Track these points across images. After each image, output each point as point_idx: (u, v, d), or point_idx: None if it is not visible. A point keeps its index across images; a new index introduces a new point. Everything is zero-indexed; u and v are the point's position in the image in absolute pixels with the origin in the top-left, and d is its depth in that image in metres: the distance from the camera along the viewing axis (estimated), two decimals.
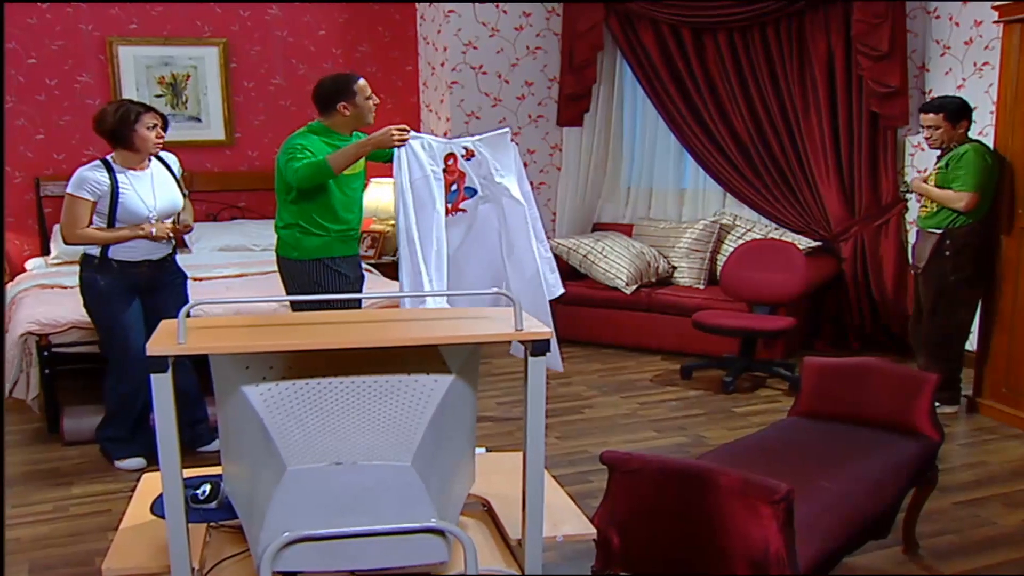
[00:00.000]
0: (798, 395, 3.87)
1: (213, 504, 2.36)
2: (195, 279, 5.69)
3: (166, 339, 1.93)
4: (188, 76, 7.26)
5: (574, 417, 5.38)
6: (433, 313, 2.34)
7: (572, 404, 5.62)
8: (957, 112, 5.08)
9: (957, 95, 5.33)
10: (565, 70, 7.44)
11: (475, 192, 4.74)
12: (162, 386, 1.88)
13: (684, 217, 7.49)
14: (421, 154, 4.48)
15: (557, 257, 7.06)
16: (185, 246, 6.95)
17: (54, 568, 3.69)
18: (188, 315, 1.98)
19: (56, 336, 5.07)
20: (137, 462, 4.67)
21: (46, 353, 5.02)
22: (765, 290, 6.10)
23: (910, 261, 5.69)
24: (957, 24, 6.16)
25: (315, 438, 1.93)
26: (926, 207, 5.23)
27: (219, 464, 2.36)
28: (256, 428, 1.95)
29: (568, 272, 7.07)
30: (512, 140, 4.89)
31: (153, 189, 4.43)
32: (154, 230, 4.39)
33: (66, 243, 4.46)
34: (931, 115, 5.11)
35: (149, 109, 4.39)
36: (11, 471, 4.68)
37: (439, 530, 2.00)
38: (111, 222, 4.35)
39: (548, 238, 7.45)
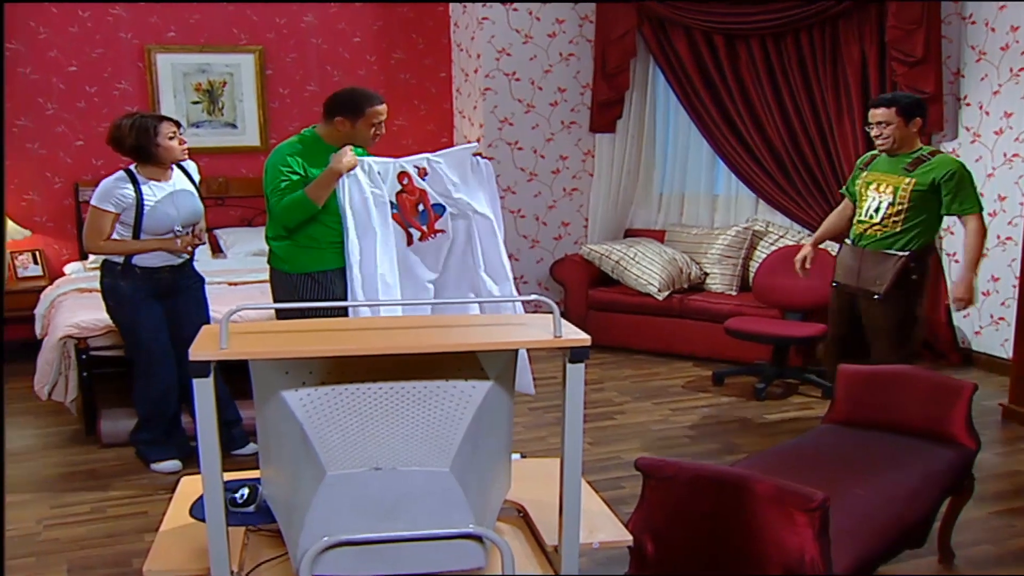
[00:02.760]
0: (832, 402, 3.85)
1: (251, 508, 2.38)
2: (229, 284, 5.75)
3: (208, 344, 1.95)
4: (224, 83, 7.32)
5: (606, 423, 5.38)
6: (472, 319, 2.34)
7: (604, 410, 5.62)
8: (910, 108, 4.64)
9: (910, 95, 4.87)
10: (598, 76, 7.44)
11: (444, 208, 4.44)
12: (204, 391, 1.90)
13: (716, 223, 7.47)
14: (361, 177, 4.22)
15: (589, 263, 7.10)
16: (220, 251, 7.01)
17: (92, 568, 3.72)
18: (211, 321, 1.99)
19: (94, 339, 5.12)
20: (173, 464, 4.71)
21: (84, 356, 5.07)
22: (798, 297, 6.06)
23: (838, 278, 5.06)
24: (993, 30, 6.11)
25: (354, 443, 1.94)
26: (882, 225, 4.69)
27: (256, 468, 2.38)
28: (296, 433, 1.96)
29: (600, 278, 7.08)
30: (480, 156, 4.54)
31: (176, 200, 4.46)
32: (179, 242, 4.45)
33: (88, 252, 4.50)
34: (882, 109, 4.66)
35: (163, 118, 4.39)
36: (49, 472, 4.74)
37: (477, 536, 2.01)
38: (136, 233, 4.40)
39: (580, 244, 7.49)
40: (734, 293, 6.77)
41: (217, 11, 7.25)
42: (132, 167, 4.42)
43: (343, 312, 3.99)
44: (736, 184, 7.32)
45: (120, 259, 4.46)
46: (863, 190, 4.81)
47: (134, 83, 7.14)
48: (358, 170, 4.18)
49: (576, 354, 2.03)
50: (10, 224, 6.70)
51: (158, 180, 4.43)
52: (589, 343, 2.06)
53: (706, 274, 6.92)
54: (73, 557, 3.82)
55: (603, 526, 2.46)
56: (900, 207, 4.62)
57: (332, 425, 1.95)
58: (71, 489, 4.52)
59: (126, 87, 7.13)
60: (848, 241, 4.93)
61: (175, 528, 2.41)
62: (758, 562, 2.61)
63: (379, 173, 4.28)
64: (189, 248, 4.51)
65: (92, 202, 4.40)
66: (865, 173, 4.85)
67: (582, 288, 7.03)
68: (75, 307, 5.45)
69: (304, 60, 7.52)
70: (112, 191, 4.35)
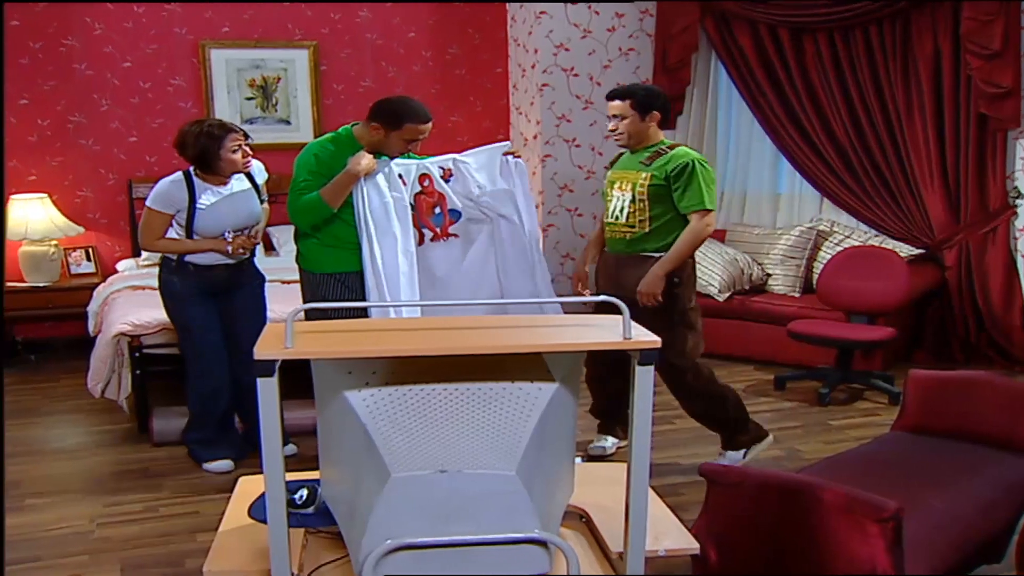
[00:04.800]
0: (902, 409, 3.80)
1: (310, 509, 2.41)
2: (282, 282, 5.80)
3: (273, 343, 1.97)
4: (278, 79, 7.39)
5: (664, 427, 5.35)
6: (538, 320, 2.35)
7: (662, 414, 5.57)
8: (646, 100, 4.39)
9: (648, 87, 4.60)
10: (658, 72, 7.40)
11: (460, 215, 4.40)
12: (268, 390, 1.92)
13: (779, 223, 7.40)
14: (380, 181, 4.22)
15: None
16: (272, 248, 7.07)
17: (145, 568, 3.77)
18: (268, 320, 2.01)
19: (147, 337, 5.19)
20: (225, 464, 4.75)
21: (137, 354, 5.15)
22: (864, 299, 6.00)
23: (593, 289, 4.85)
24: None
25: (419, 445, 1.95)
26: (629, 226, 4.44)
27: (306, 469, 2.41)
28: (359, 434, 1.98)
29: None
30: (512, 155, 4.50)
31: (232, 205, 4.51)
32: (230, 248, 4.49)
33: (143, 250, 4.57)
34: (616, 102, 4.42)
35: (229, 130, 4.41)
36: (102, 470, 4.82)
37: (542, 541, 2.01)
38: (189, 234, 4.48)
39: None
40: (797, 295, 6.70)
41: (271, 6, 7.33)
42: (191, 169, 4.48)
43: (368, 312, 4.04)
44: (800, 183, 7.25)
45: (174, 256, 4.55)
46: (608, 190, 4.60)
47: (188, 79, 7.24)
48: (379, 176, 4.19)
49: (646, 356, 2.03)
50: (64, 221, 6.82)
51: (215, 185, 4.49)
52: (659, 345, 2.05)
53: (768, 275, 6.87)
54: (126, 556, 3.88)
55: (668, 533, 2.46)
56: (641, 204, 4.38)
57: (396, 426, 1.96)
58: (124, 488, 4.59)
59: (180, 83, 7.23)
60: (605, 249, 4.69)
61: (234, 528, 2.44)
62: (826, 573, 2.58)
63: (400, 176, 4.28)
64: (241, 250, 4.55)
65: (147, 202, 4.50)
66: (610, 172, 4.66)
67: None
68: (128, 305, 5.53)
69: (359, 56, 7.57)
70: (166, 194, 4.44)
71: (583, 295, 4.75)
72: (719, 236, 7.30)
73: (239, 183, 4.58)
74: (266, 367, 1.91)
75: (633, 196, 4.40)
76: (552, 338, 2.15)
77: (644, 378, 2.06)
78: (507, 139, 7.87)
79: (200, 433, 4.81)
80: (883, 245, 6.47)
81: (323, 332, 2.11)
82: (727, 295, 6.66)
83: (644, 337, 2.05)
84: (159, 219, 4.47)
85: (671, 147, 4.44)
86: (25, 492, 4.54)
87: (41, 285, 6.72)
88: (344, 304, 2.31)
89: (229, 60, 7.27)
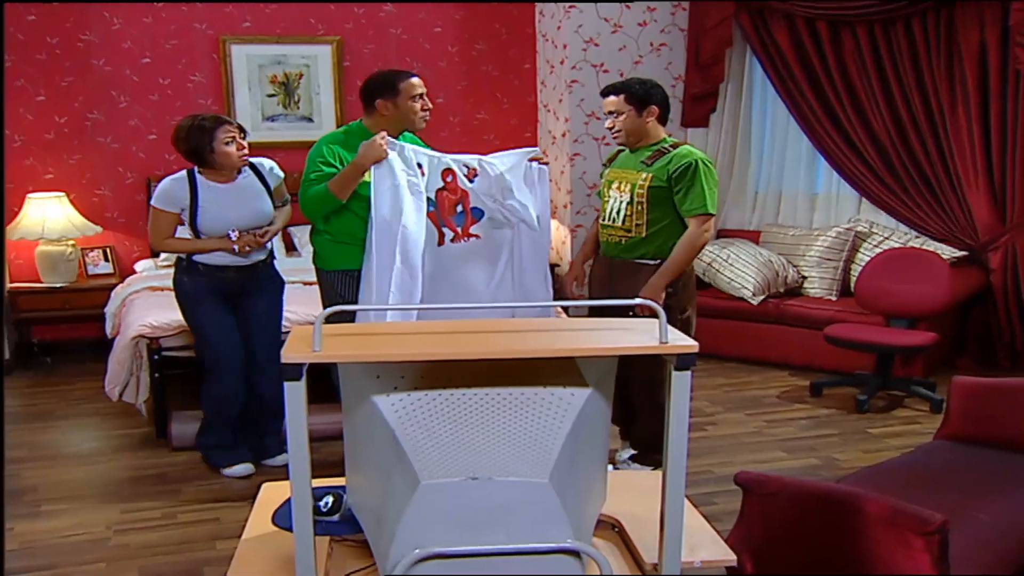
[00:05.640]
0: (945, 417, 3.77)
1: (336, 517, 2.41)
2: (304, 283, 5.81)
3: (301, 346, 1.97)
4: (301, 75, 7.42)
5: (697, 434, 5.33)
6: (571, 323, 2.34)
7: (695, 420, 5.57)
8: (643, 95, 4.30)
9: (644, 80, 4.47)
10: (691, 68, 7.39)
11: (483, 213, 4.38)
12: (295, 394, 1.92)
13: (815, 223, 7.36)
14: (395, 162, 4.13)
15: None
16: (294, 249, 7.09)
17: None
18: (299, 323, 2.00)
19: (166, 339, 5.23)
20: (244, 468, 4.77)
21: (156, 357, 5.18)
22: (904, 303, 5.96)
23: (584, 292, 4.76)
24: None
25: (449, 452, 1.95)
26: (625, 230, 4.37)
27: (331, 476, 2.41)
28: (387, 440, 1.98)
29: None
30: (539, 162, 4.45)
31: (236, 203, 4.51)
32: (236, 247, 4.48)
33: (153, 250, 4.60)
34: (612, 97, 4.34)
35: (222, 122, 4.43)
36: (120, 475, 4.85)
37: (575, 551, 2.00)
38: (195, 234, 4.52)
39: None
40: (834, 298, 6.67)
41: (293, 1, 7.35)
42: (195, 168, 4.51)
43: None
44: (837, 182, 7.22)
45: (185, 256, 4.59)
46: (605, 190, 4.52)
47: (208, 75, 7.28)
48: (392, 155, 4.12)
49: (683, 361, 2.02)
50: (81, 220, 6.87)
51: (219, 182, 4.50)
52: (696, 349, 2.04)
53: (804, 277, 6.84)
54: (144, 564, 3.90)
55: (704, 543, 2.45)
56: (640, 207, 4.30)
57: (425, 432, 1.96)
58: (141, 494, 4.61)
59: (200, 79, 7.27)
60: (599, 252, 4.63)
61: (257, 536, 2.45)
62: None
63: (419, 164, 4.23)
64: (247, 248, 4.52)
65: (151, 202, 4.58)
66: (607, 171, 4.58)
67: None
68: (147, 306, 5.56)
69: (383, 51, 7.58)
70: (168, 191, 4.49)
71: (575, 295, 4.73)
72: (753, 237, 7.27)
73: (248, 182, 4.58)
74: (294, 371, 1.91)
75: (632, 198, 4.33)
76: (587, 342, 2.14)
77: (681, 384, 2.05)
78: (535, 137, 7.89)
79: (213, 438, 4.82)
80: (924, 247, 6.42)
81: (350, 335, 2.12)
82: (761, 298, 6.64)
83: (681, 341, 2.04)
84: (164, 218, 4.51)
85: (674, 145, 4.36)
86: (41, 498, 4.57)
87: (58, 286, 6.78)
88: (370, 307, 2.30)
89: (250, 56, 7.31)
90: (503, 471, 1.96)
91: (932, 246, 6.47)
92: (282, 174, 4.73)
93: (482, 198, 4.35)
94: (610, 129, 4.40)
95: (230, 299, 4.64)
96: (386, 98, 4.27)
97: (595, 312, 3.62)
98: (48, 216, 6.71)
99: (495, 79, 7.90)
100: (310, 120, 7.48)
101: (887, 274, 6.07)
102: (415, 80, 4.31)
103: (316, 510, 2.37)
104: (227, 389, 4.69)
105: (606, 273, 4.50)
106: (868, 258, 6.40)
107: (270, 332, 4.74)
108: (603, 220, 4.51)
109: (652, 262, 4.29)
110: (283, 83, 7.40)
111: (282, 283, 4.85)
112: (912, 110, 6.59)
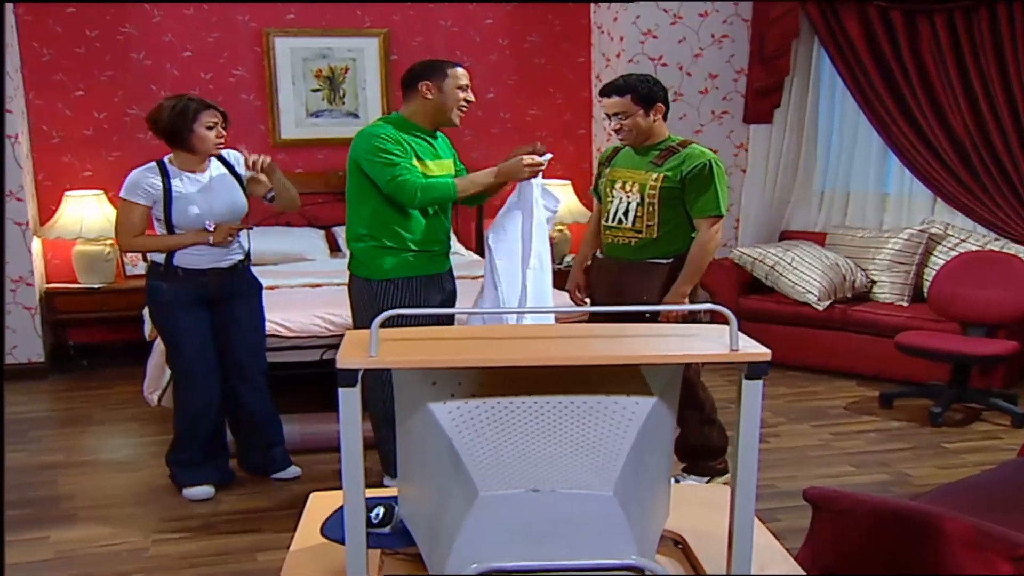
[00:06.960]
0: None
1: (387, 529, 2.42)
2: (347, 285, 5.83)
3: (356, 351, 1.98)
4: (346, 69, 7.47)
5: (759, 446, 5.29)
6: (636, 329, 2.33)
7: None
8: (648, 93, 4.30)
9: (645, 77, 4.45)
10: (754, 61, 7.36)
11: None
12: (350, 400, 1.93)
13: (886, 225, 7.31)
14: (536, 193, 4.20)
15: (740, 267, 7.02)
16: (338, 249, 7.11)
17: None
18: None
19: None
20: (205, 491, 4.72)
21: None
22: (982, 309, 5.91)
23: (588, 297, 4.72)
24: None
25: (509, 462, 1.95)
26: (635, 231, 4.37)
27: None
28: (444, 449, 1.98)
29: (752, 285, 7.01)
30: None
31: (210, 193, 4.48)
32: (211, 239, 4.42)
33: (121, 250, 4.55)
34: (615, 98, 4.31)
35: (208, 106, 4.43)
36: (158, 483, 4.90)
37: (640, 568, 2.00)
38: (169, 228, 4.45)
39: (730, 247, 7.40)
40: (906, 304, 6.62)
41: None
42: (165, 158, 4.49)
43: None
44: (910, 181, 7.15)
45: (162, 259, 4.50)
46: (607, 190, 4.50)
47: (251, 69, 7.36)
48: (536, 186, 4.19)
49: (755, 370, 2.01)
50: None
51: (191, 172, 4.48)
52: (769, 357, 2.03)
53: (873, 282, 6.79)
54: (183, 575, 3.94)
55: (773, 561, 2.43)
56: (650, 208, 4.31)
57: (484, 441, 1.96)
58: (181, 502, 4.67)
59: (242, 73, 7.35)
60: (599, 254, 4.61)
61: (306, 548, 2.46)
62: None
63: (537, 198, 4.26)
64: (228, 238, 4.48)
65: (120, 194, 4.51)
66: (609, 170, 4.55)
67: (731, 296, 6.95)
68: None
69: (431, 44, 7.62)
70: (139, 181, 4.44)
71: (580, 301, 4.72)
72: (819, 239, 7.22)
73: (219, 173, 4.56)
74: (349, 376, 1.92)
75: (642, 198, 4.33)
76: (653, 348, 2.13)
77: (752, 393, 2.04)
78: (589, 134, 7.90)
79: (184, 454, 4.75)
80: (1004, 249, 6.35)
81: (405, 340, 2.12)
82: (827, 303, 6.60)
83: (753, 348, 2.03)
84: (135, 211, 4.45)
85: (681, 144, 4.38)
86: (78, 505, 4.65)
87: (95, 287, 6.87)
88: (430, 311, 2.32)
89: (294, 49, 7.37)
90: (565, 483, 1.96)
91: (1013, 249, 6.39)
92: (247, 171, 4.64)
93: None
94: (617, 131, 4.41)
95: (209, 307, 4.60)
96: (433, 80, 4.27)
97: (595, 319, 3.62)
98: (86, 215, 6.78)
99: (548, 73, 7.91)
100: (356, 116, 7.52)
101: (964, 278, 6.02)
102: (462, 70, 4.35)
103: (367, 522, 2.38)
104: (204, 404, 4.67)
105: (614, 275, 4.49)
106: (943, 262, 6.35)
107: (253, 339, 4.75)
108: (607, 221, 4.51)
109: (664, 261, 4.33)
110: (328, 77, 7.46)
111: (260, 286, 4.82)
112: (994, 104, 6.49)
